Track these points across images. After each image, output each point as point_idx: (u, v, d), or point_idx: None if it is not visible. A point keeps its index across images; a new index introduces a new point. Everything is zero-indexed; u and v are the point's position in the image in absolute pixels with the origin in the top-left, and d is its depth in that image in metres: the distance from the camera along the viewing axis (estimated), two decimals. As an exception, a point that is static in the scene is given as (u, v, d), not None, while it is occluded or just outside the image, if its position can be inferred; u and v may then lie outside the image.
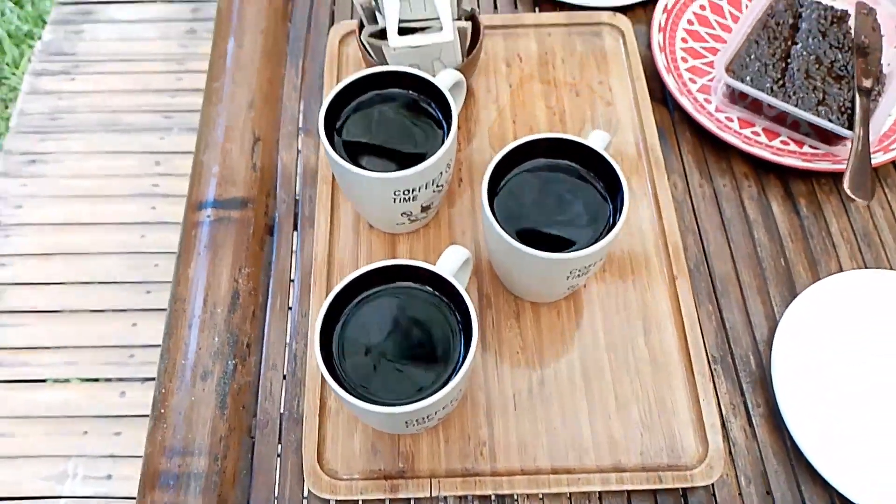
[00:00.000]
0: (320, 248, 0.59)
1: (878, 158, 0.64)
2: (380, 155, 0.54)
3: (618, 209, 0.50)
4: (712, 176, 0.66)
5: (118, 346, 1.32)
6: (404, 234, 0.60)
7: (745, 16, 0.69)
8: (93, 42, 1.72)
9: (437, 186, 0.54)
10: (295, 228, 0.62)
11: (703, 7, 0.75)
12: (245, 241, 0.61)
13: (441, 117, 0.55)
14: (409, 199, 0.53)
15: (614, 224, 0.49)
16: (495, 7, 0.77)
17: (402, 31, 0.58)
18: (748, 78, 0.65)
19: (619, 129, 0.66)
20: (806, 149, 0.66)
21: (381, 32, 0.60)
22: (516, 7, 0.76)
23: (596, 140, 0.54)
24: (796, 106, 0.64)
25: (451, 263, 0.48)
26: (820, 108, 0.64)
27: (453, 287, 0.46)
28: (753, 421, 0.55)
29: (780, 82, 0.65)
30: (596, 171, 0.53)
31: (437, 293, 0.48)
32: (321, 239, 0.59)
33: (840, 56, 0.67)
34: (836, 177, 0.66)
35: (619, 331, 0.56)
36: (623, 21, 0.72)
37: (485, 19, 0.71)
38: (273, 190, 0.64)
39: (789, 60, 0.67)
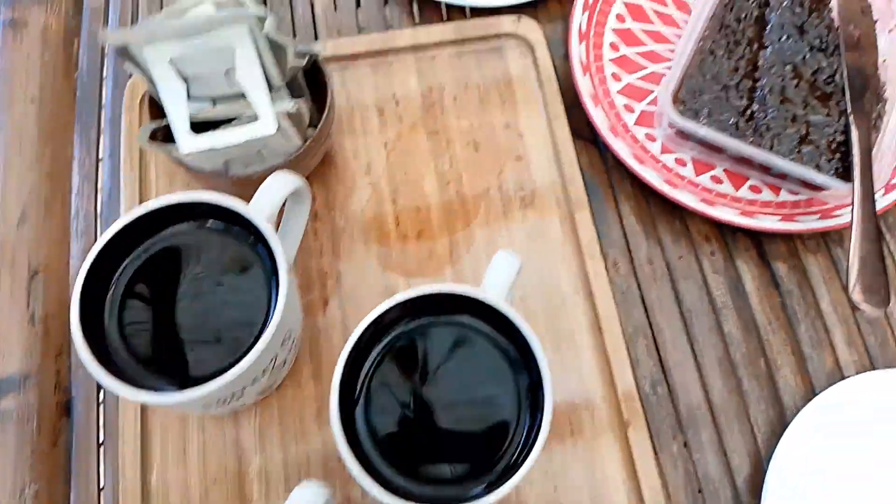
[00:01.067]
0: (129, 447, 0.41)
1: (880, 202, 0.48)
2: (180, 348, 0.35)
3: (538, 405, 0.34)
4: (664, 245, 0.50)
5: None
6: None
7: (696, 11, 0.50)
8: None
9: (275, 366, 0.37)
10: (100, 402, 0.44)
11: (635, -7, 0.55)
12: (27, 441, 0.43)
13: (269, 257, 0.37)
14: (237, 397, 0.36)
15: (537, 429, 0.33)
16: (357, 19, 0.56)
17: (201, 125, 0.39)
18: (704, 110, 0.48)
19: (536, 198, 0.49)
20: (784, 195, 0.49)
21: (166, 129, 0.40)
22: (386, 22, 0.56)
23: (497, 275, 0.36)
24: (771, 148, 0.47)
25: None
26: (803, 148, 0.47)
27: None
28: None
29: (747, 112, 0.48)
30: (500, 329, 0.36)
31: None
32: (130, 424, 0.42)
33: (825, 61, 0.49)
34: (825, 237, 0.50)
35: (558, 512, 0.41)
36: (530, 28, 0.53)
37: (342, 45, 0.51)
38: (67, 346, 0.46)
39: (758, 76, 0.49)
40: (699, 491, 0.43)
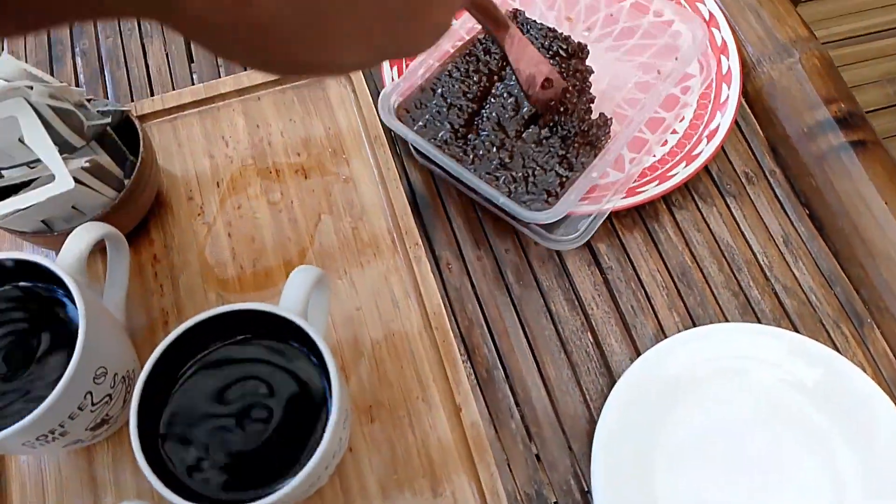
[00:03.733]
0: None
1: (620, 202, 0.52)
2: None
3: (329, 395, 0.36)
4: (491, 241, 0.53)
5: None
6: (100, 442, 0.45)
7: (452, 31, 0.54)
8: None
9: (94, 402, 0.39)
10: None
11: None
12: None
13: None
14: (60, 433, 0.38)
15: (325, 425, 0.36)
16: (190, 72, 0.60)
17: (5, 190, 0.42)
18: (422, 120, 0.51)
19: (364, 213, 0.52)
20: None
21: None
22: (218, 72, 0.59)
23: (294, 289, 0.39)
24: (472, 164, 0.49)
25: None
26: (499, 173, 0.49)
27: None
28: (588, 568, 0.44)
29: (461, 131, 0.51)
30: (300, 339, 0.38)
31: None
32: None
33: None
34: (637, 208, 0.54)
35: (402, 499, 0.44)
36: (348, 60, 0.56)
37: (168, 98, 0.55)
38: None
39: (484, 104, 0.52)
40: (538, 460, 0.46)
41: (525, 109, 0.51)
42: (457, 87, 0.52)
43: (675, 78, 0.51)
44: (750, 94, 0.58)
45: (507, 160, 0.49)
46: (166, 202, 0.52)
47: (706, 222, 0.53)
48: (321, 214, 0.52)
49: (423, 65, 0.52)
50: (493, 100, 0.52)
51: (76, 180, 0.42)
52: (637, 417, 0.46)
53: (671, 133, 0.55)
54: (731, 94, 0.55)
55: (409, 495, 0.44)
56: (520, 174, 0.49)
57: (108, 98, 0.59)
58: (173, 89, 0.58)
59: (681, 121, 0.55)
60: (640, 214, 0.54)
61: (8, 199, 0.40)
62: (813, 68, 0.57)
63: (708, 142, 0.53)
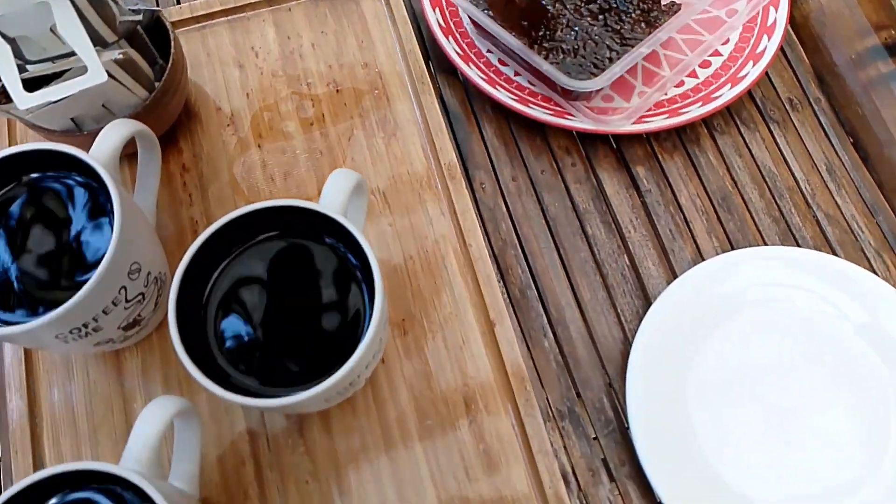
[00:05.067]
0: (16, 390, 0.43)
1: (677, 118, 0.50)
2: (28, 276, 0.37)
3: (372, 292, 0.35)
4: (526, 161, 0.52)
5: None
6: (129, 346, 0.45)
7: None
8: None
9: (128, 299, 0.38)
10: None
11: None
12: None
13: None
14: (93, 328, 0.37)
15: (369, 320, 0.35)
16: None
17: (35, 82, 0.40)
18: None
19: (398, 129, 0.51)
20: (635, 100, 0.52)
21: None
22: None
23: (335, 190, 0.38)
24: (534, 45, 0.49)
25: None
26: (568, 57, 0.49)
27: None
28: (620, 486, 0.43)
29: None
30: (339, 239, 0.37)
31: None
32: (15, 371, 0.43)
33: None
34: (678, 131, 0.52)
35: (437, 416, 0.43)
36: (382, -28, 0.55)
37: (197, 6, 0.53)
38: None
39: None
40: (571, 379, 0.45)
41: None
42: None
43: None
44: (797, 20, 0.56)
45: (558, 33, 0.48)
46: (195, 112, 0.51)
47: (748, 148, 0.52)
48: (354, 129, 0.51)
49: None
50: None
51: (108, 74, 0.40)
52: (673, 340, 0.45)
53: (715, 55, 0.53)
54: (779, 17, 0.53)
55: (442, 408, 0.43)
56: (570, 46, 0.48)
57: (133, 7, 0.57)
58: None
59: (725, 43, 0.53)
60: (681, 138, 0.52)
61: (39, 91, 0.39)
62: (864, -7, 0.55)
63: (754, 64, 0.52)
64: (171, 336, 0.33)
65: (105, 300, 0.36)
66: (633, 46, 0.48)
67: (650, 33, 0.48)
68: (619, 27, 0.49)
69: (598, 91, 0.49)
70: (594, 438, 0.44)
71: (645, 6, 0.49)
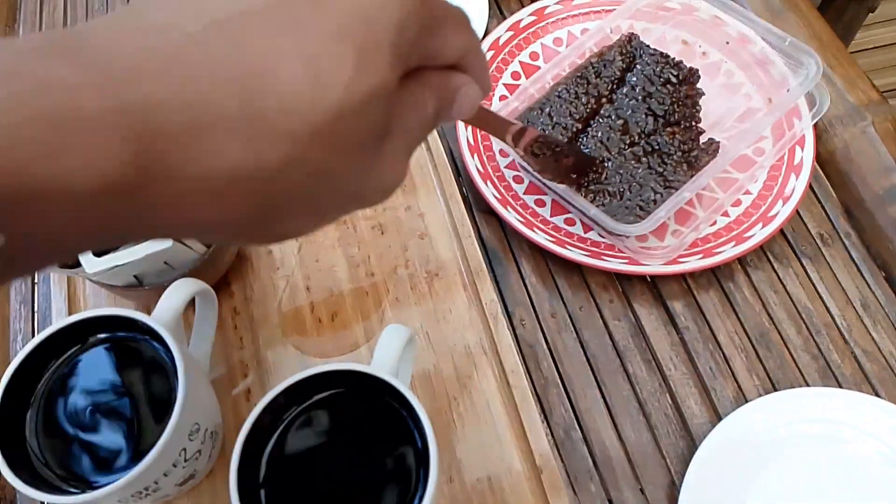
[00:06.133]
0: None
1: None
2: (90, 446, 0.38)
3: (427, 460, 0.36)
4: (565, 298, 0.53)
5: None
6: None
7: (556, 59, 0.55)
8: None
9: (187, 459, 0.39)
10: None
11: (517, 73, 0.61)
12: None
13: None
14: (153, 489, 0.38)
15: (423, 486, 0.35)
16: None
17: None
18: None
19: (440, 268, 0.52)
20: (669, 239, 0.53)
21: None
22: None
23: (384, 349, 0.39)
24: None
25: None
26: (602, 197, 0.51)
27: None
28: None
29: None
30: (393, 398, 0.39)
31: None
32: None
33: (653, 125, 0.53)
34: (714, 271, 0.54)
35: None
36: (423, 118, 0.58)
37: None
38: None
39: (591, 123, 0.53)
40: (620, 528, 0.45)
41: (634, 130, 0.52)
42: (564, 107, 0.53)
43: (784, 109, 0.51)
44: (823, 157, 0.58)
45: (604, 177, 0.50)
46: (246, 256, 0.53)
47: (783, 284, 0.53)
48: (397, 268, 0.52)
49: (536, 83, 0.54)
50: (600, 120, 0.53)
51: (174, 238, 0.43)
52: (721, 483, 0.45)
53: (745, 194, 0.55)
54: (805, 156, 0.55)
55: (489, 559, 0.43)
56: (615, 189, 0.50)
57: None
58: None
59: (755, 182, 0.55)
60: (715, 275, 0.54)
61: (107, 255, 0.41)
62: (886, 132, 0.57)
63: (783, 204, 0.53)
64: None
65: (166, 464, 0.37)
66: (676, 188, 0.50)
67: (692, 175, 0.50)
68: (661, 169, 0.51)
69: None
70: (644, 589, 0.44)
71: (685, 147, 0.51)
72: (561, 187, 0.50)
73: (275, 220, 0.20)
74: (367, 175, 0.21)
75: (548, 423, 0.48)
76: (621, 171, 0.51)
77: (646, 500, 0.46)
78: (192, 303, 0.47)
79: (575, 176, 0.50)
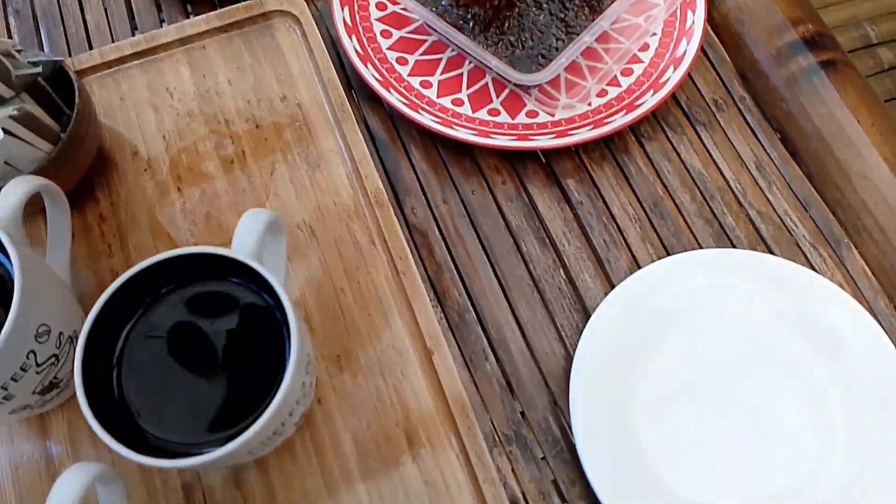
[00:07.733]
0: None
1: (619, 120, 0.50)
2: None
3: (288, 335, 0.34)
4: (456, 183, 0.51)
5: None
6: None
7: None
8: None
9: (41, 365, 0.36)
10: None
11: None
12: None
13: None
14: (1, 399, 0.35)
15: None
16: (131, 27, 0.57)
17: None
18: None
19: (322, 160, 0.50)
20: (560, 113, 0.51)
21: None
22: (161, 23, 0.56)
23: (245, 233, 0.37)
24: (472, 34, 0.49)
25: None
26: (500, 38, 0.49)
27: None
28: (572, 507, 0.42)
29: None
30: (254, 283, 0.36)
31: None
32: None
33: None
34: (606, 142, 0.52)
35: (378, 454, 0.42)
36: (294, 2, 0.54)
37: (107, 52, 0.51)
38: None
39: None
40: (515, 399, 0.44)
41: None
42: None
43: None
44: (716, 20, 0.56)
45: (505, 26, 0.48)
46: (110, 159, 0.49)
47: (676, 152, 0.52)
48: (276, 164, 0.49)
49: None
50: None
51: (5, 131, 0.39)
52: (613, 351, 0.44)
53: (636, 63, 0.53)
54: (697, 19, 0.53)
55: (385, 446, 0.42)
56: (516, 39, 0.48)
57: (43, 56, 0.55)
58: (113, 44, 0.55)
59: (645, 50, 0.53)
60: (609, 148, 0.52)
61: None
62: (778, -10, 0.55)
63: (675, 69, 0.51)
64: (78, 398, 0.32)
65: (12, 367, 0.34)
66: (577, 34, 0.48)
67: (594, 20, 0.48)
68: (563, 15, 0.49)
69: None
70: (542, 459, 0.43)
71: None
72: (462, 38, 0.47)
73: None
74: None
75: (442, 308, 0.47)
76: (522, 19, 0.49)
77: (541, 374, 0.45)
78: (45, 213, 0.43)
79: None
